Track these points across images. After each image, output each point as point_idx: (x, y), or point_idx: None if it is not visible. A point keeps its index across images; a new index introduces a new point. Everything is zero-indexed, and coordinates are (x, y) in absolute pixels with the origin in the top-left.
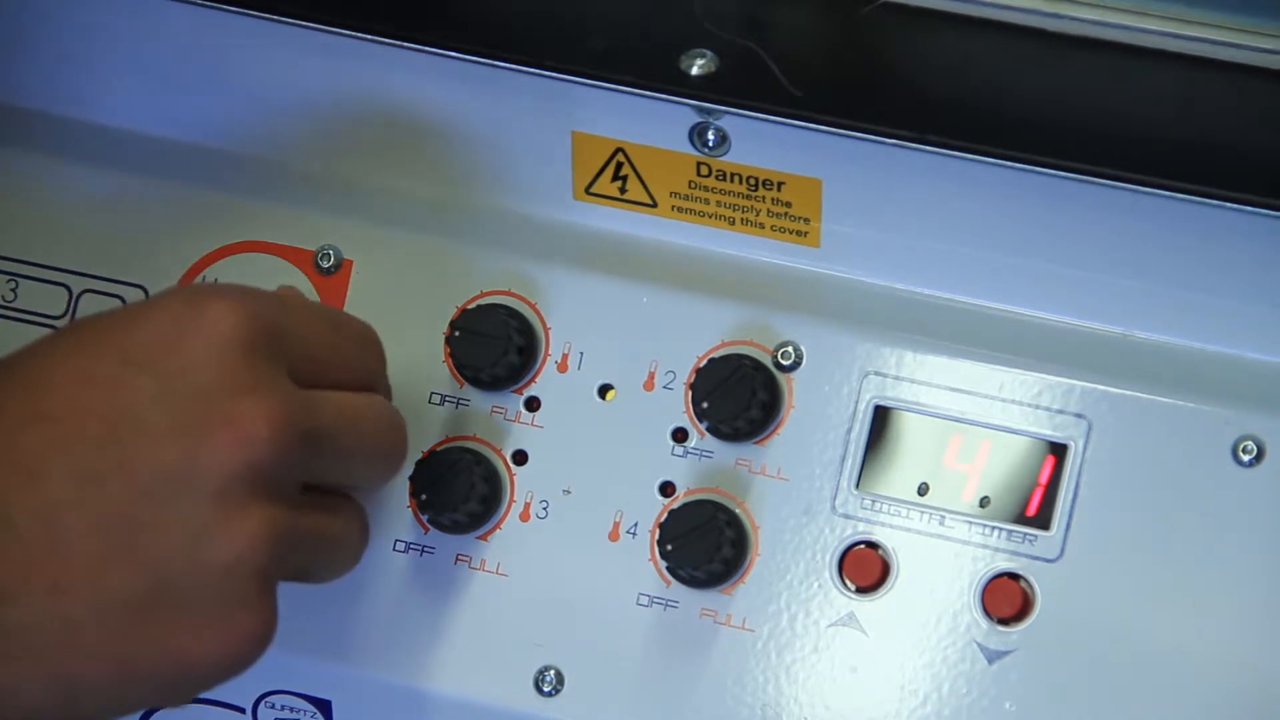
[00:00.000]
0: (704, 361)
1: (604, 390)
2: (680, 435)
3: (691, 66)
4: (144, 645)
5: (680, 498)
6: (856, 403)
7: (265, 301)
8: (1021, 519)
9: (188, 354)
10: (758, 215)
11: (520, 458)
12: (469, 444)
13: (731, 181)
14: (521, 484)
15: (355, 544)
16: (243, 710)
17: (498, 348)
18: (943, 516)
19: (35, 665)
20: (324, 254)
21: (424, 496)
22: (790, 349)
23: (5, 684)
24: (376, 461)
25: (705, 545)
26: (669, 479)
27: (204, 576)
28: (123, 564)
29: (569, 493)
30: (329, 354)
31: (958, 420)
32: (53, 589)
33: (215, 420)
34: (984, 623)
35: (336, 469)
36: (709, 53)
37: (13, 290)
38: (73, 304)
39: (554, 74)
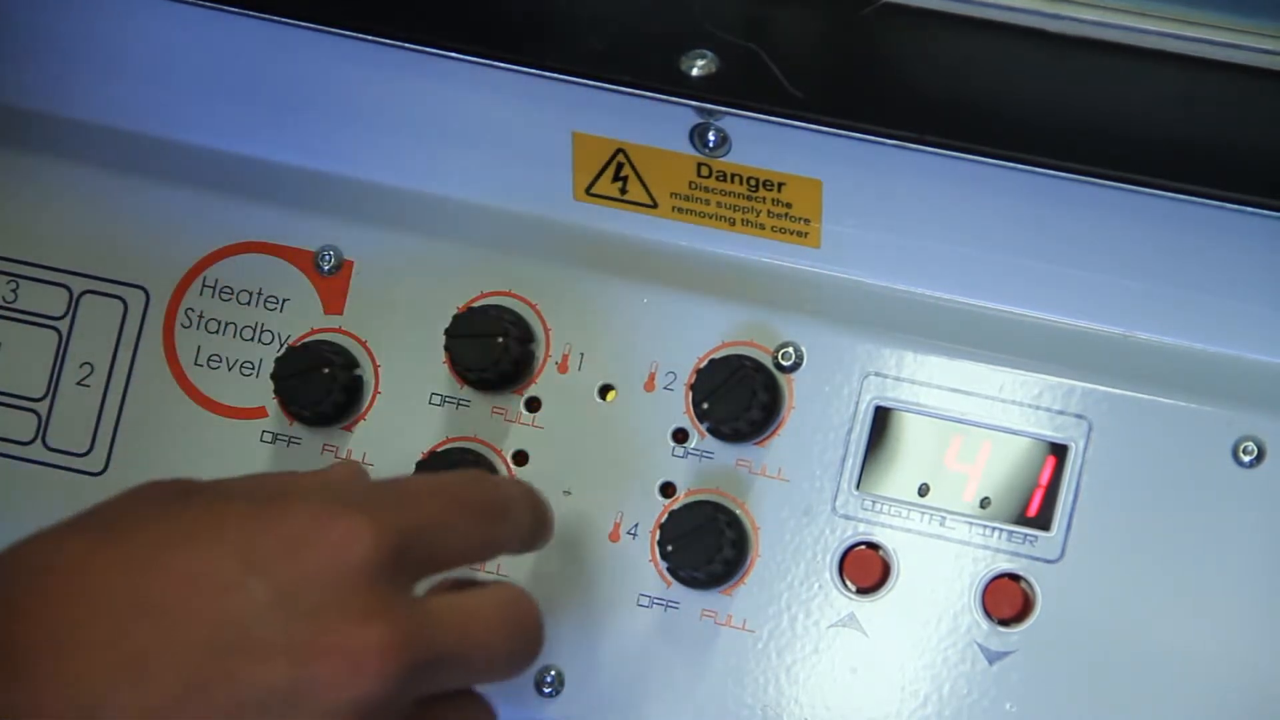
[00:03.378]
0: (704, 362)
1: (604, 390)
2: (680, 436)
3: (692, 67)
4: None
5: (681, 498)
6: (857, 403)
7: (389, 505)
8: (1022, 520)
9: (309, 569)
10: (758, 216)
11: (520, 458)
12: (470, 445)
13: (732, 182)
14: None
15: None
16: None
17: (495, 350)
18: (943, 517)
19: None
20: (324, 254)
21: None
22: (790, 349)
23: None
24: (501, 665)
25: (705, 546)
26: (669, 480)
27: None
28: None
29: (569, 493)
30: (448, 536)
31: (958, 421)
32: None
33: (328, 645)
34: (984, 623)
35: (456, 680)
36: (709, 53)
37: (13, 290)
38: (73, 304)
39: (554, 74)
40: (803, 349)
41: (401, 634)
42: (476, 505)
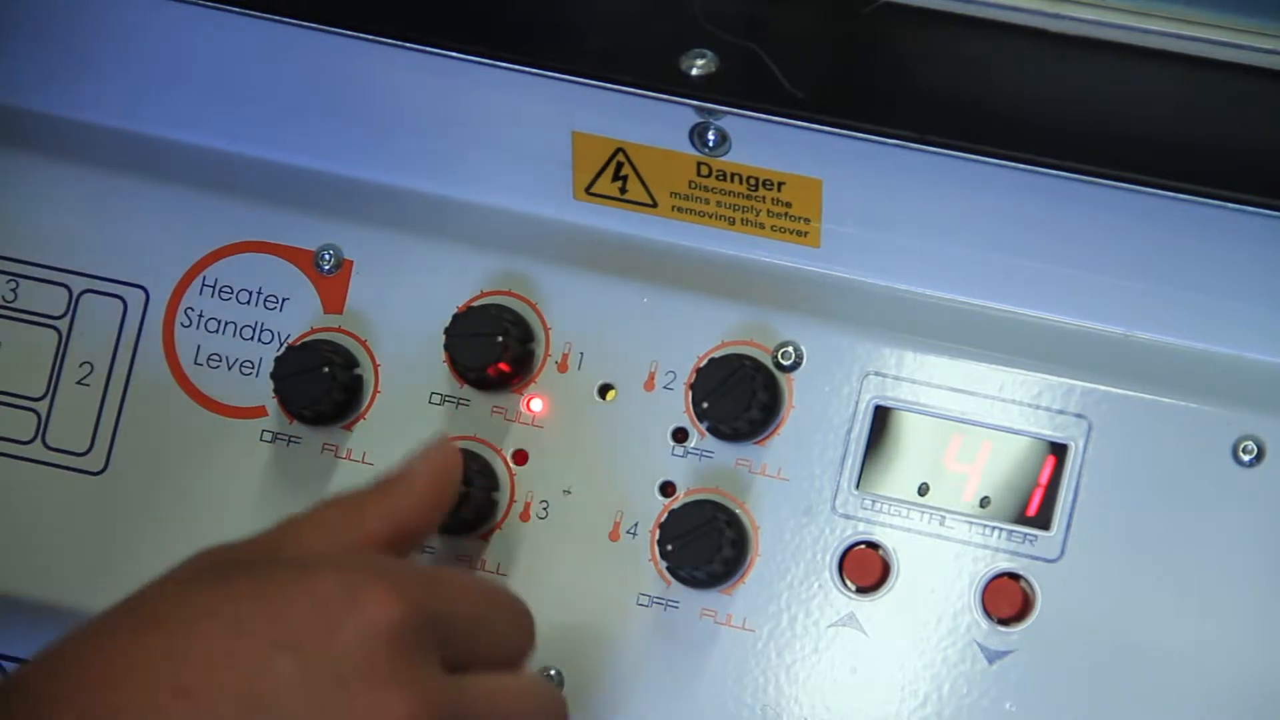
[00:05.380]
0: (704, 361)
1: (604, 390)
2: (680, 435)
3: (691, 67)
4: None
5: (680, 498)
6: (856, 403)
7: (421, 585)
8: (1022, 519)
9: (339, 642)
10: (758, 215)
11: (520, 457)
12: (469, 444)
13: (731, 181)
14: (521, 484)
15: None
16: None
17: (494, 349)
18: (943, 516)
19: None
20: (324, 254)
21: None
22: (790, 349)
23: None
24: None
25: (705, 545)
26: (669, 479)
27: None
28: None
29: (569, 493)
30: (482, 632)
31: (958, 420)
32: None
33: (354, 713)
34: (984, 623)
35: None
36: (709, 53)
37: (13, 290)
38: (73, 304)
39: (554, 74)
40: (802, 348)
41: (428, 703)
42: (512, 609)
